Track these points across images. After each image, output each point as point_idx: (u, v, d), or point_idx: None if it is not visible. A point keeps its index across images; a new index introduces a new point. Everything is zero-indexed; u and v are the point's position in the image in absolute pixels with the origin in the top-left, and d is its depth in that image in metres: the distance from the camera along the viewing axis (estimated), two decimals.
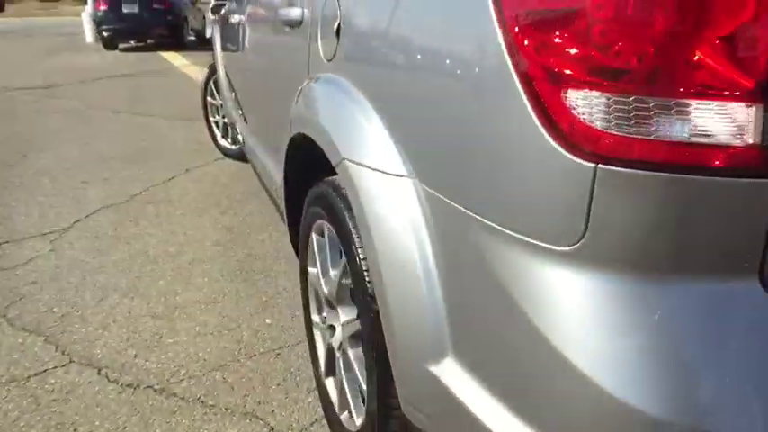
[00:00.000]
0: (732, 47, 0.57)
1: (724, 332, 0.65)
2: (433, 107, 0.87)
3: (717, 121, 0.61)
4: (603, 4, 0.59)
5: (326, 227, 1.36)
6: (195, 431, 1.55)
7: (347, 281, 1.30)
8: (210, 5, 11.48)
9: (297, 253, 1.82)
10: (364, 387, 1.23)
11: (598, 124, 0.63)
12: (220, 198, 3.28)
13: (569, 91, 0.64)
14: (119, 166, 3.84)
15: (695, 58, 0.59)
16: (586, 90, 0.63)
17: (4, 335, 1.97)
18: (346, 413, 1.42)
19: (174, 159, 4.00)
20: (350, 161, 1.06)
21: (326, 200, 1.29)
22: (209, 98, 4.06)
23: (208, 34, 14.20)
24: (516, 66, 0.68)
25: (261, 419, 1.60)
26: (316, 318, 1.63)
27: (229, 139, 3.98)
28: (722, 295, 0.67)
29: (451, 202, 0.85)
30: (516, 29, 0.67)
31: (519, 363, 0.75)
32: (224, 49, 3.24)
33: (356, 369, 1.27)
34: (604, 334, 0.67)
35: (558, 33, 0.63)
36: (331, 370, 1.53)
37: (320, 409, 1.61)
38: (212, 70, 3.92)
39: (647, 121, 0.61)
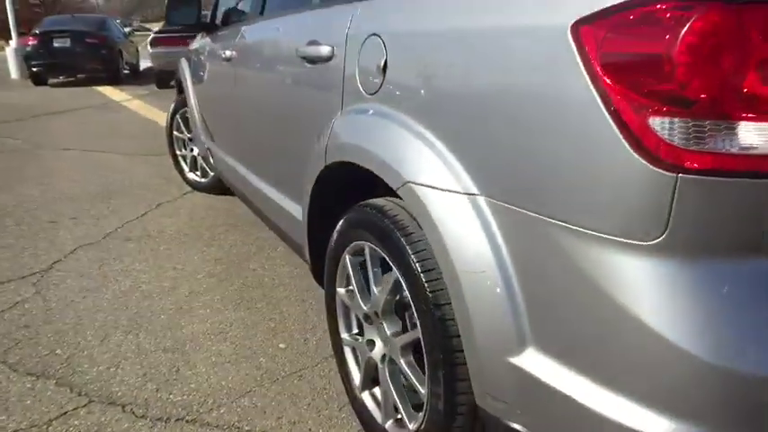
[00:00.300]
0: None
1: (743, 295, 0.83)
2: (508, 134, 1.01)
3: (760, 136, 0.79)
4: (685, 53, 0.75)
5: (368, 247, 1.47)
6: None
7: (391, 296, 1.40)
8: (149, 38, 11.50)
9: (317, 278, 1.91)
10: (422, 391, 1.33)
11: (678, 142, 0.79)
12: (201, 231, 3.28)
13: (654, 118, 0.79)
14: (85, 204, 3.74)
15: (745, 92, 0.76)
16: (668, 117, 0.79)
17: (10, 381, 1.91)
18: (392, 422, 1.50)
19: (141, 195, 3.94)
20: (415, 183, 1.17)
21: (372, 221, 1.39)
22: (175, 132, 4.05)
23: (142, 67, 13.97)
24: (602, 97, 0.83)
25: (345, 422, 1.65)
26: (346, 336, 1.71)
27: (198, 173, 3.99)
28: (747, 272, 0.84)
29: (526, 211, 0.99)
30: (600, 68, 0.83)
31: (607, 341, 0.89)
32: (199, 83, 3.28)
33: (410, 376, 1.37)
34: (685, 308, 0.82)
35: (643, 73, 0.79)
36: (369, 383, 1.61)
37: (355, 423, 1.68)
38: (179, 105, 3.93)
39: (715, 139, 0.78)
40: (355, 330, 1.69)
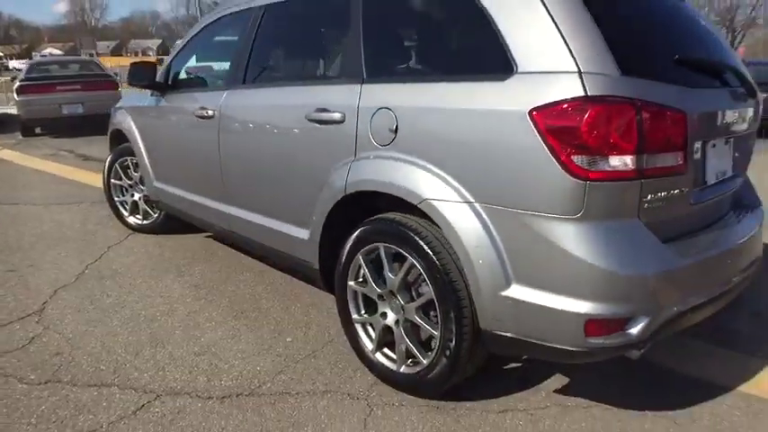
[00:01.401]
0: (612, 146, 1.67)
1: (625, 236, 1.73)
2: (490, 166, 1.82)
3: (619, 162, 1.68)
4: (585, 125, 1.63)
5: (382, 246, 2.18)
6: (314, 407, 2.16)
7: (404, 277, 2.13)
8: (15, 86, 11.01)
9: (323, 280, 2.56)
10: (435, 333, 2.05)
11: (584, 166, 1.65)
12: (165, 265, 3.67)
13: (572, 155, 1.65)
14: (33, 254, 3.90)
15: (611, 142, 1.66)
16: (578, 154, 1.65)
17: (77, 393, 2.27)
18: (404, 366, 2.21)
19: (85, 240, 4.16)
20: (432, 199, 1.94)
21: (390, 228, 2.12)
22: (113, 180, 4.35)
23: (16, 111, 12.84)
24: (547, 146, 1.67)
25: (339, 390, 2.27)
26: (356, 317, 2.39)
27: (139, 216, 4.31)
28: (627, 226, 1.74)
29: (505, 207, 1.80)
30: (545, 132, 1.67)
31: (556, 268, 1.73)
32: (157, 136, 3.70)
33: (425, 325, 2.09)
34: (593, 243, 1.68)
35: (568, 134, 1.65)
36: (381, 346, 2.30)
37: (370, 377, 2.34)
38: (118, 155, 4.26)
39: (600, 164, 1.66)
40: (363, 312, 2.38)
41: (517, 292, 1.83)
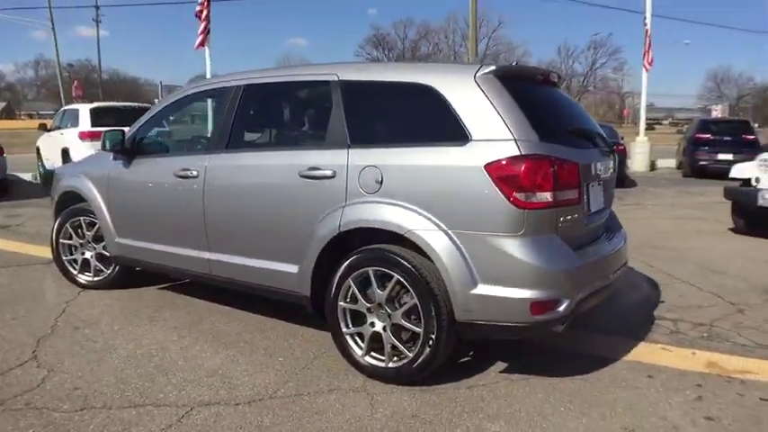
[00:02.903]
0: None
1: (549, 245, 2.61)
2: (455, 204, 2.63)
3: (549, 196, 2.58)
4: (522, 173, 2.51)
5: (371, 270, 2.86)
6: (327, 401, 2.70)
7: (390, 292, 2.82)
8: None
9: (314, 305, 3.14)
10: (418, 329, 2.75)
11: (523, 199, 2.52)
12: (135, 314, 3.95)
13: (514, 192, 2.52)
14: None
15: (538, 183, 2.55)
16: (518, 192, 2.52)
17: (116, 413, 2.60)
18: (392, 362, 2.86)
19: (36, 299, 4.27)
20: (415, 230, 2.69)
21: (378, 255, 2.82)
22: (63, 240, 4.52)
23: None
24: (498, 188, 2.52)
25: (341, 388, 2.84)
26: (345, 330, 3.01)
27: (90, 273, 4.51)
28: (550, 238, 2.63)
29: (468, 231, 2.60)
30: (496, 179, 2.53)
31: (506, 269, 2.57)
32: (123, 195, 4.05)
33: (411, 325, 2.78)
34: (531, 250, 2.54)
35: (507, 180, 2.52)
36: (372, 348, 2.94)
37: (361, 377, 2.95)
38: (68, 216, 4.47)
39: (533, 197, 2.54)
40: (350, 325, 3.01)
41: (482, 289, 2.62)
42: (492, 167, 2.56)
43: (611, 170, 3.28)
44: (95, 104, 10.11)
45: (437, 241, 2.67)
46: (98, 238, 4.44)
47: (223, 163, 3.47)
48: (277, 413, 2.63)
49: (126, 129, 4.23)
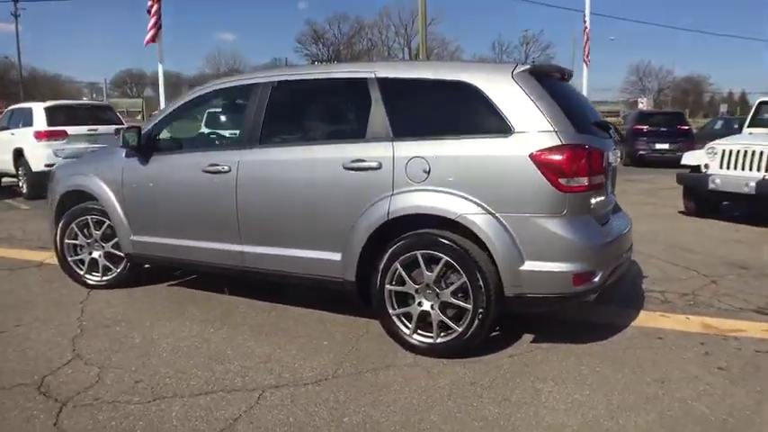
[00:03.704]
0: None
1: (586, 224, 2.95)
2: (502, 189, 2.90)
3: (587, 180, 2.90)
4: (565, 161, 2.81)
5: (419, 254, 3.08)
6: (388, 376, 2.90)
7: (438, 272, 3.05)
8: None
9: (359, 291, 3.32)
10: (468, 306, 3.00)
11: (565, 184, 2.83)
12: (160, 310, 3.97)
13: (558, 178, 2.81)
14: (8, 317, 3.84)
15: (576, 170, 2.87)
16: (562, 177, 2.82)
17: (191, 401, 2.69)
18: (442, 335, 3.10)
19: (48, 301, 4.17)
20: (466, 214, 2.93)
21: (427, 239, 3.04)
22: (68, 240, 4.43)
23: None
24: (543, 174, 2.81)
25: (395, 364, 3.05)
26: (392, 311, 3.22)
27: (98, 273, 4.45)
28: (585, 218, 2.96)
29: (517, 213, 2.88)
30: (541, 166, 2.82)
31: (550, 244, 2.87)
32: (142, 192, 4.04)
33: (459, 302, 3.03)
34: (572, 229, 2.86)
35: (552, 167, 2.81)
36: (420, 326, 3.16)
37: (410, 355, 3.17)
38: (74, 215, 4.39)
39: (573, 182, 2.85)
40: (396, 307, 3.22)
41: (529, 265, 2.91)
42: (537, 156, 2.85)
43: (618, 158, 3.66)
44: (50, 103, 9.63)
45: (486, 224, 2.94)
46: (106, 237, 4.39)
47: (258, 158, 3.57)
48: (347, 390, 2.81)
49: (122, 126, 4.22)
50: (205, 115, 9.60)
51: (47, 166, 9.02)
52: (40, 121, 9.06)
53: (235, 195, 3.62)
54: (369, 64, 3.47)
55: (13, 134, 9.54)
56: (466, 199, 2.98)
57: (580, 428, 2.47)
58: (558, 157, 2.85)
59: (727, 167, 6.58)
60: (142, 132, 4.04)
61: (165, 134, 4.15)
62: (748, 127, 7.75)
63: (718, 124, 17.32)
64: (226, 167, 3.64)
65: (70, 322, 3.75)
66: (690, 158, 7.15)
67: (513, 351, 3.25)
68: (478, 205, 2.95)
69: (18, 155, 9.33)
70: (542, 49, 58.97)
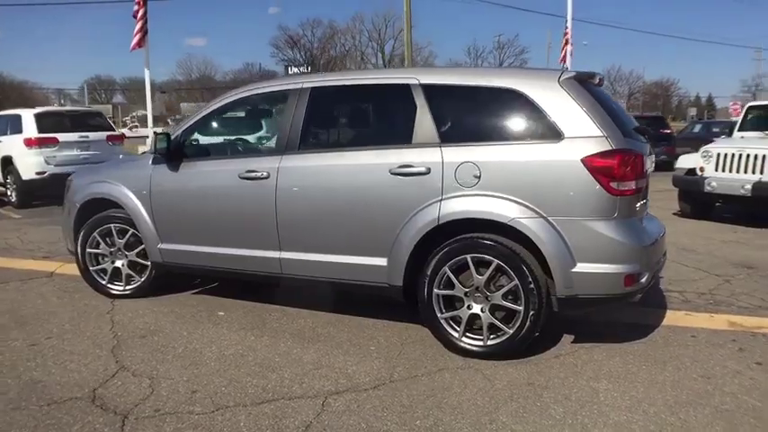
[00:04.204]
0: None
1: (634, 226, 3.06)
2: (553, 194, 2.97)
3: (634, 184, 3.00)
4: (615, 165, 2.90)
5: (469, 257, 3.13)
6: (443, 378, 2.93)
7: (489, 276, 3.11)
8: None
9: (405, 294, 3.35)
10: (519, 308, 3.06)
11: (616, 187, 2.92)
12: (191, 319, 3.92)
13: (609, 182, 2.90)
14: (35, 329, 3.73)
15: (626, 173, 2.97)
16: (613, 181, 2.91)
17: (255, 410, 2.68)
18: (491, 338, 3.15)
19: (77, 312, 4.08)
20: (518, 218, 2.99)
21: (477, 243, 3.09)
22: (90, 250, 4.34)
23: None
24: (594, 177, 2.90)
25: (448, 367, 3.08)
26: (440, 315, 3.26)
27: (121, 282, 4.37)
28: (633, 220, 3.05)
29: (567, 217, 2.96)
30: (592, 170, 2.90)
31: (599, 246, 2.95)
32: (173, 199, 4.00)
33: (509, 304, 3.09)
34: (622, 231, 2.95)
35: (604, 171, 2.90)
36: (469, 330, 3.21)
37: (458, 358, 3.21)
38: (95, 224, 4.31)
39: (623, 186, 2.94)
40: (444, 311, 3.26)
41: (581, 267, 2.98)
42: (589, 161, 2.94)
43: (653, 164, 3.79)
44: (39, 110, 9.35)
45: (539, 227, 3.00)
46: (129, 246, 4.32)
47: (298, 164, 3.57)
48: (408, 394, 2.83)
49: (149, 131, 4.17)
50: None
51: (37, 173, 8.81)
52: (30, 128, 8.80)
53: (274, 202, 3.61)
54: (408, 70, 3.53)
55: (0, 141, 9.24)
56: (518, 203, 3.04)
57: (646, 425, 2.55)
58: (609, 162, 2.94)
59: (723, 170, 6.84)
60: (171, 139, 3.99)
61: (193, 140, 4.11)
62: (739, 131, 8.07)
63: (698, 128, 17.93)
64: (264, 174, 3.63)
65: (103, 333, 3.67)
66: (684, 162, 7.41)
67: (558, 351, 3.32)
68: (530, 209, 3.02)
69: (6, 162, 9.05)
70: (517, 53, 60.07)
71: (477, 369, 3.09)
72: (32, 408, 2.72)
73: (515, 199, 3.05)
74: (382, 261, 3.38)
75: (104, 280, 4.39)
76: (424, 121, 3.30)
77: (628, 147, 3.01)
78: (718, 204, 7.34)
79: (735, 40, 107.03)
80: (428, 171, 3.23)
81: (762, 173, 6.49)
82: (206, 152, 4.15)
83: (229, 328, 3.75)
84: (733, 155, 6.79)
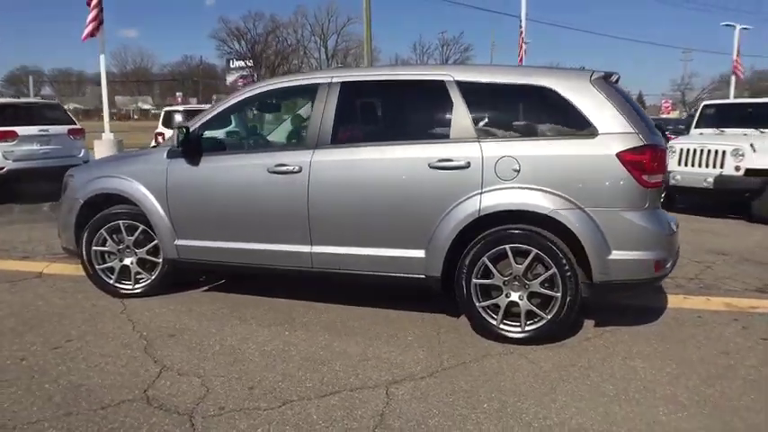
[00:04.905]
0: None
1: (660, 216, 3.30)
2: (589, 184, 3.15)
3: (649, 178, 3.22)
4: (646, 159, 3.12)
5: (508, 247, 3.27)
6: (492, 365, 3.04)
7: (527, 264, 3.25)
8: None
9: (443, 286, 3.44)
10: (557, 294, 3.23)
11: (647, 180, 3.13)
12: (212, 315, 3.84)
13: (641, 175, 3.11)
14: (52, 330, 3.54)
15: (656, 167, 3.19)
16: (644, 174, 3.12)
17: (321, 402, 2.70)
18: (528, 323, 3.31)
19: (87, 314, 3.90)
20: (557, 209, 3.15)
21: (516, 234, 3.23)
22: (96, 248, 4.16)
23: None
24: (628, 171, 3.10)
25: (490, 353, 3.21)
26: (478, 304, 3.38)
27: (129, 281, 4.22)
28: (658, 211, 3.31)
29: (603, 208, 3.15)
30: (627, 164, 3.10)
31: (632, 234, 3.16)
32: (192, 195, 3.90)
33: (547, 291, 3.25)
34: (652, 220, 3.18)
35: (637, 165, 3.11)
36: (507, 317, 3.34)
37: (497, 344, 3.34)
38: (101, 222, 4.13)
39: (653, 178, 3.16)
40: (481, 299, 3.39)
41: (616, 254, 3.18)
42: (624, 155, 3.13)
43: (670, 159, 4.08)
44: None
45: (577, 218, 3.17)
46: (139, 243, 4.17)
47: (332, 158, 3.58)
48: (465, 380, 2.93)
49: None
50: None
51: None
52: None
53: (306, 196, 3.60)
54: (441, 67, 3.60)
55: None
56: (556, 195, 3.20)
57: (691, 396, 2.77)
58: (641, 156, 3.15)
59: (685, 165, 7.38)
60: (190, 132, 3.88)
61: (213, 134, 4.01)
62: (695, 128, 8.68)
63: None
64: (296, 168, 3.62)
65: (126, 333, 3.55)
66: None
67: (585, 335, 3.52)
68: (568, 201, 3.19)
69: None
70: (462, 50, 61.23)
71: (520, 354, 3.23)
72: (86, 412, 2.62)
73: (553, 191, 3.20)
74: (420, 253, 3.46)
75: (111, 279, 4.21)
76: (461, 117, 3.40)
77: (656, 142, 3.24)
78: (677, 197, 7.89)
79: (663, 41, 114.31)
80: (468, 165, 3.33)
81: (722, 167, 7.05)
82: (228, 146, 4.07)
83: (259, 324, 3.71)
84: (695, 150, 7.33)
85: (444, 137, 3.46)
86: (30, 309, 4.02)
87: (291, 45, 57.26)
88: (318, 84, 3.72)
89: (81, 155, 9.07)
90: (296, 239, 3.70)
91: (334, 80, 3.69)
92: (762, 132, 7.46)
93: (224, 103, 4.03)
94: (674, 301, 4.18)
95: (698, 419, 2.58)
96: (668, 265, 3.31)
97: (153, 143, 11.93)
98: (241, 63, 44.92)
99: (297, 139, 4.23)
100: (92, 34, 11.17)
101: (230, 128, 4.75)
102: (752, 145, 6.87)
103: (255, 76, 45.86)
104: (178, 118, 11.96)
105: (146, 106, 64.34)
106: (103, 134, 10.81)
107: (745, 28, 21.80)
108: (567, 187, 3.20)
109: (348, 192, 3.55)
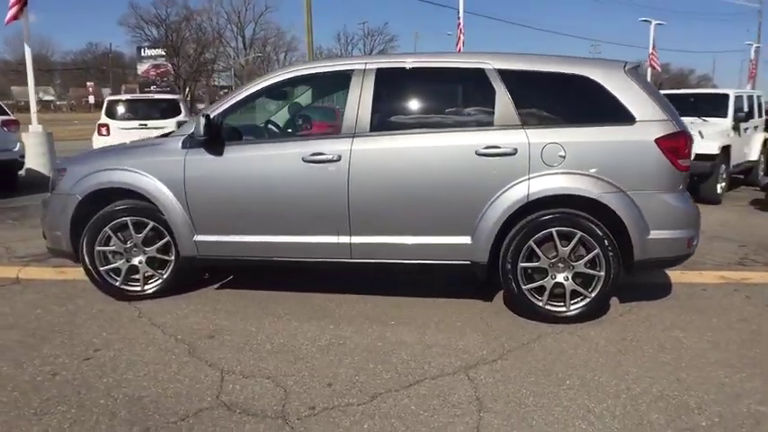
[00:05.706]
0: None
1: (689, 198, 3.56)
2: (629, 169, 3.33)
3: (688, 161, 3.46)
4: (682, 144, 3.34)
5: (554, 231, 3.38)
6: (546, 346, 3.14)
7: (572, 247, 3.38)
8: None
9: (489, 273, 3.50)
10: (600, 273, 3.38)
11: (682, 164, 3.35)
12: (241, 313, 3.66)
13: (678, 159, 3.33)
14: (69, 336, 3.20)
15: (686, 152, 3.41)
16: (680, 159, 3.34)
17: (400, 395, 2.66)
18: (573, 303, 3.45)
19: (101, 320, 3.57)
20: (602, 193, 3.30)
21: (563, 217, 3.35)
22: (99, 247, 3.80)
23: None
24: (666, 156, 3.30)
25: (542, 333, 3.31)
26: (524, 287, 3.48)
27: (138, 282, 3.91)
28: (686, 193, 3.55)
29: (643, 191, 3.33)
30: (664, 150, 3.29)
31: (671, 214, 3.39)
32: (216, 188, 3.67)
33: (591, 271, 3.39)
34: (685, 201, 3.42)
35: (673, 150, 3.32)
36: (553, 297, 3.46)
37: (544, 325, 3.45)
38: (106, 219, 3.80)
39: (686, 162, 3.39)
40: (526, 282, 3.48)
41: (654, 234, 3.38)
42: (662, 141, 3.33)
43: None
44: None
45: (620, 201, 3.33)
46: (148, 241, 3.86)
47: (374, 146, 3.50)
48: (535, 361, 2.99)
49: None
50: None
51: None
52: None
53: (347, 185, 3.50)
54: (477, 54, 3.62)
55: None
56: (601, 180, 3.34)
57: (740, 359, 3.02)
58: (677, 142, 3.36)
59: None
60: (211, 120, 3.63)
61: (235, 123, 3.78)
62: None
63: None
64: (335, 156, 3.51)
65: (159, 338, 3.29)
66: None
67: (617, 312, 3.70)
68: (612, 185, 3.34)
69: None
70: (387, 41, 61.27)
71: (570, 332, 3.36)
72: (166, 425, 2.42)
73: (598, 176, 3.35)
74: (466, 239, 3.49)
75: (117, 281, 3.88)
76: (505, 105, 3.46)
77: (686, 129, 3.47)
78: None
79: (572, 32, 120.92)
80: (515, 152, 3.39)
81: None
82: (251, 134, 3.86)
83: (298, 320, 3.57)
84: None
85: (488, 124, 3.50)
86: (29, 319, 3.61)
87: (207, 34, 54.76)
88: (353, 70, 3.63)
89: (17, 148, 8.20)
90: (333, 230, 3.60)
91: (369, 66, 3.61)
92: (704, 121, 8.17)
93: (246, 90, 3.81)
94: (676, 276, 4.46)
95: (758, 379, 2.81)
96: (695, 242, 3.58)
97: (96, 134, 10.98)
98: (153, 51, 42.19)
99: (293, 128, 4.09)
100: (15, 17, 10.15)
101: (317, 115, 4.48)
102: (700, 132, 7.50)
103: (170, 65, 43.49)
104: (121, 109, 11.06)
105: (47, 97, 58.89)
106: (30, 126, 9.86)
107: (659, 23, 23.83)
108: (609, 172, 3.35)
109: (392, 180, 3.50)
